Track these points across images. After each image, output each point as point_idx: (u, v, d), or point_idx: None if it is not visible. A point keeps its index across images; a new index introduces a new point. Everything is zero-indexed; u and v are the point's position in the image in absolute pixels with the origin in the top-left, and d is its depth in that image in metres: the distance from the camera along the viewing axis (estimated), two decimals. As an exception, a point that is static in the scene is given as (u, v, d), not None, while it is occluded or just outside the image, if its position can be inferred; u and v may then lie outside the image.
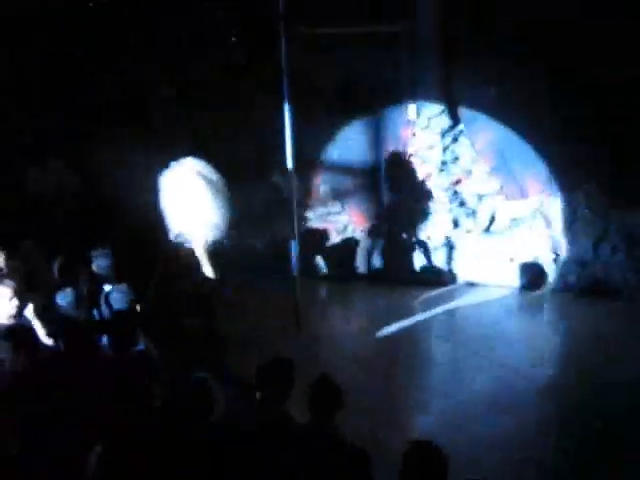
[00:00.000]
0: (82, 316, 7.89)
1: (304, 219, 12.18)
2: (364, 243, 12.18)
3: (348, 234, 12.27)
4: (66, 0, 11.82)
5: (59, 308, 7.91)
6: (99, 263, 8.93)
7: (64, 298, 7.87)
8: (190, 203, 9.32)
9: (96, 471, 5.30)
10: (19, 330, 7.26)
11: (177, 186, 9.41)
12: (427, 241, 11.88)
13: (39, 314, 8.05)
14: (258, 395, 5.87)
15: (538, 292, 11.34)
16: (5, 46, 11.50)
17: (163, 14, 11.95)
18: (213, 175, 9.49)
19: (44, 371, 6.91)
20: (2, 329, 7.27)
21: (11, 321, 7.63)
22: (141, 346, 7.72)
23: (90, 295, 8.14)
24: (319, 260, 12.27)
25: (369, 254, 12.12)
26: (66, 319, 7.78)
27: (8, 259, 8.68)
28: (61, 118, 11.67)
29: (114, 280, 8.80)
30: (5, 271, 8.44)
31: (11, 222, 10.62)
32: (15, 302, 7.75)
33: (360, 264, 12.20)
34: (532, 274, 11.40)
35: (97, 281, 8.64)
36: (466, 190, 11.83)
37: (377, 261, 12.11)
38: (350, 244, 12.24)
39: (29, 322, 7.86)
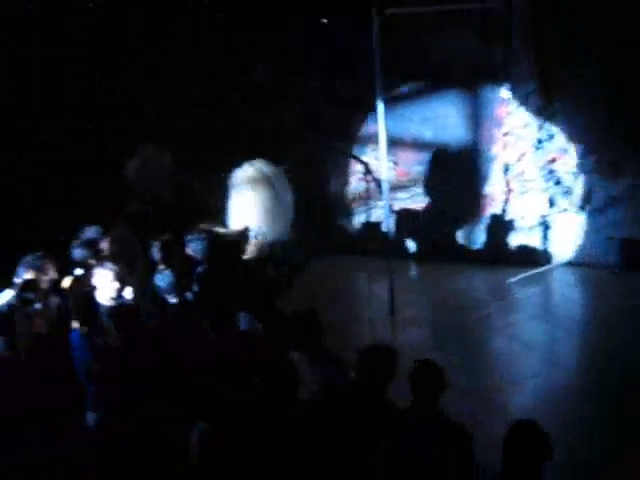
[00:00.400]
0: (180, 297, 8.09)
1: (398, 200, 12.13)
2: (460, 223, 12.09)
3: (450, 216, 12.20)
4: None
5: (158, 289, 8.10)
6: (194, 246, 9.10)
7: (163, 280, 8.06)
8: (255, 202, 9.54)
9: (197, 448, 5.41)
10: (124, 311, 7.47)
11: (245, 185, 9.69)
12: (522, 221, 11.73)
13: (138, 295, 8.25)
14: (358, 380, 5.92)
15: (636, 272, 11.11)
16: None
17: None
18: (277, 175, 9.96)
19: (147, 350, 7.11)
20: (107, 309, 7.50)
21: (112, 302, 7.84)
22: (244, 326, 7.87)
23: (186, 277, 8.30)
24: (413, 241, 12.23)
25: (466, 234, 12.04)
26: (165, 300, 7.98)
27: (109, 243, 8.91)
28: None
29: (207, 264, 8.96)
30: (106, 254, 8.66)
31: (110, 207, 10.87)
32: (116, 284, 7.96)
33: (456, 244, 12.12)
34: (631, 253, 11.16)
35: (192, 264, 8.81)
36: (562, 168, 11.64)
37: (474, 241, 12.02)
38: (447, 224, 12.16)
39: (131, 303, 8.06)
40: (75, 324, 7.34)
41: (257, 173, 10.04)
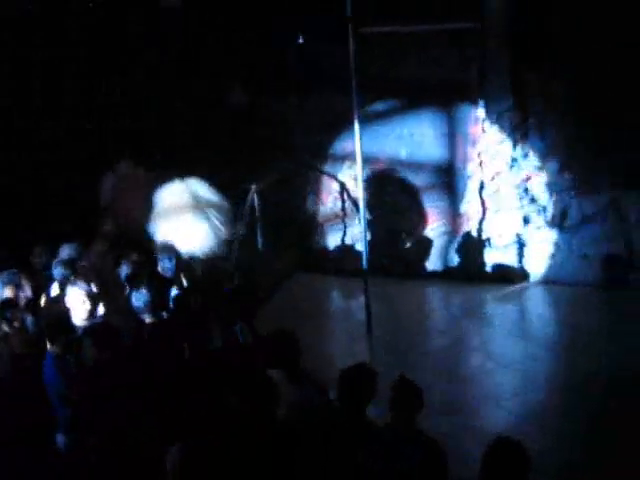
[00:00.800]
0: (155, 316, 8.03)
1: (373, 218, 12.12)
2: (436, 241, 12.10)
3: (418, 233, 12.20)
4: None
5: (134, 309, 8.03)
6: (164, 265, 9.08)
7: (140, 299, 7.97)
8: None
9: (173, 467, 5.35)
10: (102, 329, 7.40)
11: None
12: (498, 238, 11.77)
13: (111, 314, 8.20)
14: (337, 400, 5.90)
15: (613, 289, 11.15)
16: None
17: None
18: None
19: (123, 368, 7.03)
20: (83, 329, 7.44)
21: (86, 322, 7.77)
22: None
23: (160, 296, 8.25)
24: (389, 259, 12.22)
25: (441, 252, 12.06)
26: (142, 319, 7.92)
27: (81, 261, 8.85)
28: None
29: (178, 282, 8.94)
30: (80, 273, 8.60)
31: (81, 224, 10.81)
32: (88, 304, 7.91)
33: (432, 262, 12.13)
34: (607, 271, 11.21)
35: (163, 282, 8.79)
36: (536, 186, 11.69)
37: (449, 259, 12.04)
38: (422, 243, 12.16)
39: (106, 322, 7.99)
40: (48, 345, 7.26)
41: (186, 195, 10.10)
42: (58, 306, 8.06)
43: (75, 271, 8.52)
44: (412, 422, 5.55)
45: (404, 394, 5.65)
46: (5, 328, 7.47)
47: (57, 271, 8.53)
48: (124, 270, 8.77)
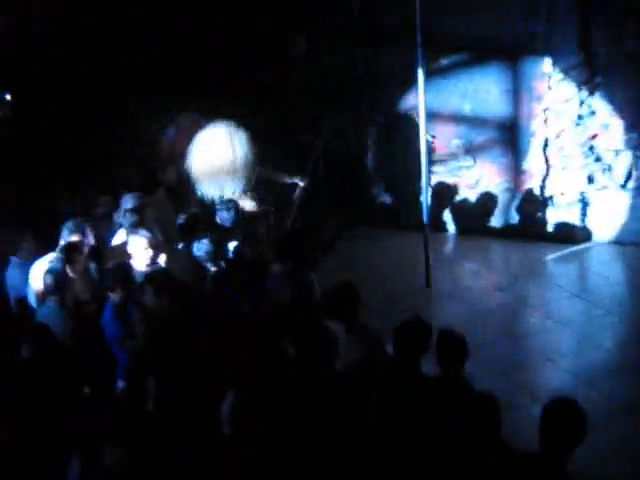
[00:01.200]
0: (217, 266, 8.12)
1: (435, 173, 12.05)
2: (498, 198, 12.00)
3: (480, 189, 12.11)
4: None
5: (196, 258, 8.14)
6: (222, 215, 9.15)
7: (201, 248, 8.08)
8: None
9: (229, 417, 5.43)
10: (161, 275, 7.52)
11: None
12: (561, 197, 11.63)
13: (171, 262, 8.32)
14: (393, 351, 5.94)
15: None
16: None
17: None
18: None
19: (187, 315, 7.15)
20: (143, 275, 7.57)
21: (147, 269, 7.90)
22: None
23: (220, 246, 8.33)
24: (450, 214, 12.16)
25: (503, 209, 11.96)
26: (205, 268, 8.02)
27: (144, 210, 8.96)
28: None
29: (237, 232, 9.01)
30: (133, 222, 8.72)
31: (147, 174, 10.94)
32: (150, 251, 8.02)
33: (494, 219, 12.04)
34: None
35: (222, 233, 8.86)
36: (602, 145, 11.50)
37: (511, 216, 11.94)
38: (484, 199, 12.08)
39: (166, 269, 8.12)
40: (110, 292, 7.40)
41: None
42: (121, 254, 8.21)
43: (142, 219, 8.64)
44: (459, 373, 5.58)
45: (448, 346, 5.70)
46: (70, 273, 7.62)
47: (125, 219, 8.67)
48: (181, 220, 8.86)
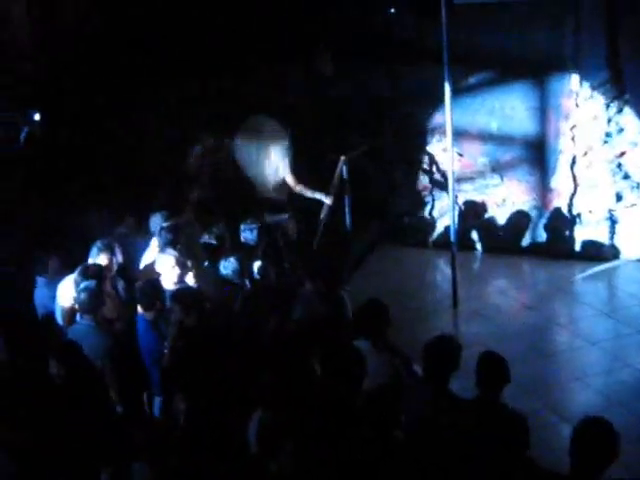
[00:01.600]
0: (243, 284, 8.16)
1: (462, 191, 12.03)
2: (529, 216, 11.94)
3: (507, 207, 12.07)
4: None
5: (223, 276, 8.18)
6: (246, 235, 9.22)
7: (228, 267, 8.13)
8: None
9: (256, 436, 5.43)
10: (189, 293, 7.57)
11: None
12: (589, 215, 11.56)
13: (198, 281, 8.36)
14: (422, 371, 5.92)
15: None
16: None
17: None
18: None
19: (214, 334, 7.18)
20: (172, 293, 7.62)
21: (175, 287, 7.95)
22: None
23: (245, 265, 8.40)
24: (477, 233, 12.12)
25: (532, 227, 11.90)
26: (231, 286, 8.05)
27: (172, 230, 9.00)
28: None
29: (259, 253, 9.08)
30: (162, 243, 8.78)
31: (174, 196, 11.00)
32: (177, 270, 8.08)
33: (521, 237, 11.99)
34: None
35: (246, 252, 8.93)
36: (630, 163, 11.44)
37: (539, 234, 11.88)
38: (512, 217, 12.03)
39: (194, 287, 8.16)
40: (140, 310, 7.46)
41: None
42: (151, 273, 8.27)
43: (178, 238, 8.72)
44: (498, 397, 5.54)
45: (491, 369, 5.65)
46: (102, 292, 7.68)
47: (161, 237, 8.75)
48: (207, 239, 8.92)
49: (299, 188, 11.01)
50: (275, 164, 11.09)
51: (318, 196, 11.08)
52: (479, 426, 5.37)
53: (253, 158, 11.26)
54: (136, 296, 7.75)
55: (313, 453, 5.38)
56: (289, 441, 5.28)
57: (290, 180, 10.99)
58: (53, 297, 8.03)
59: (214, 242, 8.84)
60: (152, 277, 8.03)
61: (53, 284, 8.12)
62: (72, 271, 7.94)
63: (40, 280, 8.34)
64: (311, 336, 6.73)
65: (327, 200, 11.04)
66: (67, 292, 7.82)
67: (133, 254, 8.95)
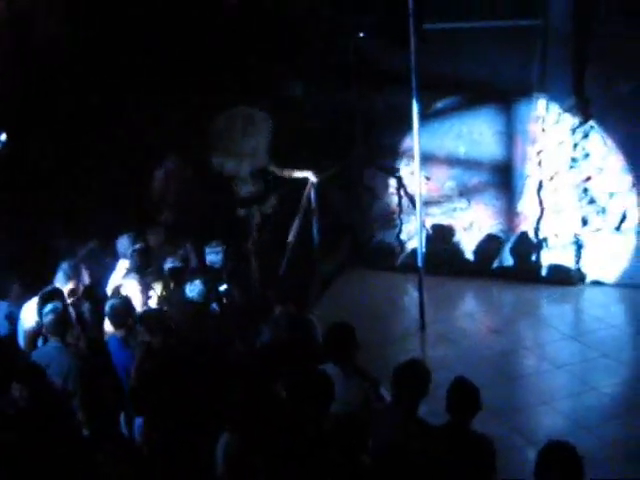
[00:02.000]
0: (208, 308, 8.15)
1: (430, 215, 12.08)
2: (492, 239, 12.00)
3: (474, 231, 12.13)
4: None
5: (187, 298, 8.14)
6: (211, 258, 9.21)
7: (194, 290, 8.10)
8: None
9: (222, 458, 5.39)
10: (154, 315, 7.56)
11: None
12: (555, 239, 11.64)
13: (165, 303, 8.34)
14: (392, 395, 5.90)
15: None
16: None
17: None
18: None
19: (179, 355, 7.14)
20: (138, 315, 7.61)
21: (140, 310, 7.93)
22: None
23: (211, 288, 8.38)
24: (443, 256, 12.15)
25: (498, 251, 11.96)
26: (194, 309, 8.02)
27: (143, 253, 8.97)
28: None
29: (224, 276, 9.07)
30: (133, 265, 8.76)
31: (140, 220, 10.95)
32: (143, 293, 8.07)
33: (488, 261, 12.04)
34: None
35: (212, 275, 8.92)
36: (596, 187, 11.54)
37: (506, 258, 11.94)
38: (479, 240, 12.09)
39: (160, 309, 8.14)
40: (111, 329, 7.43)
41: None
42: (121, 293, 8.27)
43: (149, 260, 8.70)
44: (468, 424, 5.54)
45: (463, 396, 5.64)
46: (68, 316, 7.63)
47: (132, 260, 8.72)
48: (169, 263, 8.89)
49: (286, 173, 11.43)
50: (258, 152, 11.50)
51: (306, 174, 11.39)
52: (449, 452, 5.36)
53: (235, 145, 11.69)
54: (106, 315, 7.69)
55: (280, 476, 5.34)
56: (256, 463, 5.25)
57: (275, 168, 11.44)
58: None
59: (179, 264, 8.81)
60: (123, 297, 8.01)
61: (16, 308, 8.08)
62: (34, 294, 7.89)
63: (3, 304, 8.26)
64: (278, 359, 6.69)
65: (313, 178, 11.34)
66: (30, 315, 7.77)
67: (99, 276, 8.91)
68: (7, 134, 10.25)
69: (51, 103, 11.01)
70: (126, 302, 7.75)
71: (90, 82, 11.35)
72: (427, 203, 11.70)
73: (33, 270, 8.91)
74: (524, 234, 11.85)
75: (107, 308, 7.67)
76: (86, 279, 8.33)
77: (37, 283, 8.31)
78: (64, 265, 8.17)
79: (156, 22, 11.71)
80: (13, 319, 8.11)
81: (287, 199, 11.66)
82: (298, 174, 11.36)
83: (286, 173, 11.40)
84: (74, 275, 8.09)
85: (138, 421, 6.91)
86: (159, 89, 11.56)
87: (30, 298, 7.97)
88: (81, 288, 8.19)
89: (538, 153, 11.61)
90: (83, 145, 11.40)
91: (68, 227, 10.34)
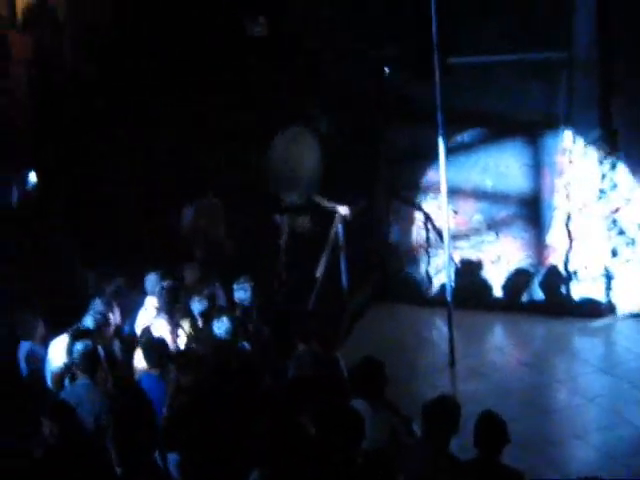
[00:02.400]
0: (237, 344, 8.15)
1: (458, 248, 12.06)
2: (521, 272, 11.95)
3: (502, 264, 12.08)
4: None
5: (215, 336, 8.16)
6: (240, 295, 9.20)
7: (221, 327, 8.12)
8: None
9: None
10: (184, 354, 7.59)
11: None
12: (585, 271, 11.57)
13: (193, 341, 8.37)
14: (422, 431, 5.87)
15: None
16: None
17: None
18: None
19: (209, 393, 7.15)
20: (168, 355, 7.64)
21: (170, 349, 7.97)
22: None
23: (240, 325, 8.39)
24: (472, 290, 12.10)
25: (528, 284, 11.90)
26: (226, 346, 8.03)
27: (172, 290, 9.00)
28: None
29: (254, 313, 9.07)
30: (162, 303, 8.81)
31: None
32: (172, 333, 8.12)
33: (517, 294, 11.98)
34: None
35: (242, 312, 8.93)
36: (625, 218, 11.49)
37: (535, 291, 11.87)
38: (507, 274, 12.04)
39: (190, 348, 8.16)
40: (141, 366, 7.47)
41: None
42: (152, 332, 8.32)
43: (178, 297, 8.74)
44: (497, 458, 5.49)
45: (490, 430, 5.60)
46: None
47: (161, 297, 8.77)
48: (195, 302, 8.91)
49: (329, 204, 11.59)
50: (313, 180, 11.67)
51: (339, 208, 11.46)
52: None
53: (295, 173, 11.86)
54: (143, 354, 7.73)
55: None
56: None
57: (319, 198, 11.65)
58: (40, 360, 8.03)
59: (205, 302, 8.84)
60: (157, 335, 8.07)
61: (40, 348, 8.13)
62: (60, 333, 7.94)
63: (24, 345, 8.31)
64: (302, 395, 6.67)
65: (342, 211, 11.42)
66: (58, 354, 7.81)
67: (126, 313, 8.95)
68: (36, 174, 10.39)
69: (80, 142, 11.17)
70: (162, 342, 7.86)
71: (116, 118, 11.51)
72: (455, 237, 11.70)
73: (55, 309, 8.97)
74: (553, 267, 11.79)
75: (144, 348, 7.72)
76: (117, 317, 8.38)
77: (60, 321, 8.37)
78: (96, 303, 8.23)
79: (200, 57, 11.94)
80: (34, 359, 8.15)
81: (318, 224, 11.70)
82: (336, 207, 11.31)
83: (329, 204, 11.37)
84: (106, 313, 8.14)
85: (172, 457, 6.93)
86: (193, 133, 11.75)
87: (54, 337, 8.01)
88: (112, 326, 8.22)
89: (566, 185, 11.57)
90: (110, 180, 11.55)
91: (92, 264, 10.41)
